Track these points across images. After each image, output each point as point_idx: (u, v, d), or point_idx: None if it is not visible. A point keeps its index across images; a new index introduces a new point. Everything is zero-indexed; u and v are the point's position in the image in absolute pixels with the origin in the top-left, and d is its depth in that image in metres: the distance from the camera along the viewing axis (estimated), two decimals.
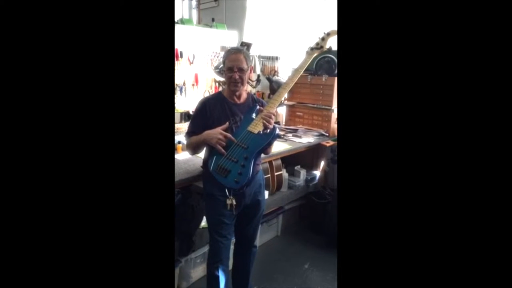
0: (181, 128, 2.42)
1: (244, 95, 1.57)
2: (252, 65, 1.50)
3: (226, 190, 1.43)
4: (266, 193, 2.18)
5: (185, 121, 2.47)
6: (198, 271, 2.03)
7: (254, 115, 1.44)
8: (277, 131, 1.43)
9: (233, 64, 1.44)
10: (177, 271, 1.89)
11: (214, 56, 2.71)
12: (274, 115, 1.41)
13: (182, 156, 2.02)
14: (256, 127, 1.38)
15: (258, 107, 1.47)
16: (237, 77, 1.44)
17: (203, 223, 2.00)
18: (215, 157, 1.40)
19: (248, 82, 3.03)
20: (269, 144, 1.44)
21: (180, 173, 1.71)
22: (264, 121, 1.37)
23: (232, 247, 1.74)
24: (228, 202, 1.43)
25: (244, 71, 1.45)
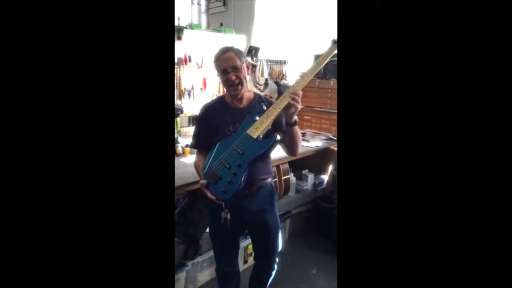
0: (189, 132, 2.43)
1: (247, 97, 1.40)
2: (247, 61, 1.38)
3: (223, 203, 1.22)
4: None
5: (193, 124, 2.49)
6: (205, 275, 2.03)
7: (257, 117, 1.25)
8: (277, 137, 1.23)
9: (225, 65, 1.28)
10: (183, 274, 1.89)
11: None
12: (299, 96, 1.19)
13: (189, 159, 2.03)
14: (257, 131, 1.20)
15: (263, 107, 1.28)
16: (233, 78, 1.28)
17: None
18: (211, 158, 1.23)
19: (255, 86, 3.06)
20: (268, 151, 1.23)
21: (187, 176, 1.72)
22: (291, 101, 1.17)
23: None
24: (223, 215, 1.25)
25: (239, 69, 1.28)
